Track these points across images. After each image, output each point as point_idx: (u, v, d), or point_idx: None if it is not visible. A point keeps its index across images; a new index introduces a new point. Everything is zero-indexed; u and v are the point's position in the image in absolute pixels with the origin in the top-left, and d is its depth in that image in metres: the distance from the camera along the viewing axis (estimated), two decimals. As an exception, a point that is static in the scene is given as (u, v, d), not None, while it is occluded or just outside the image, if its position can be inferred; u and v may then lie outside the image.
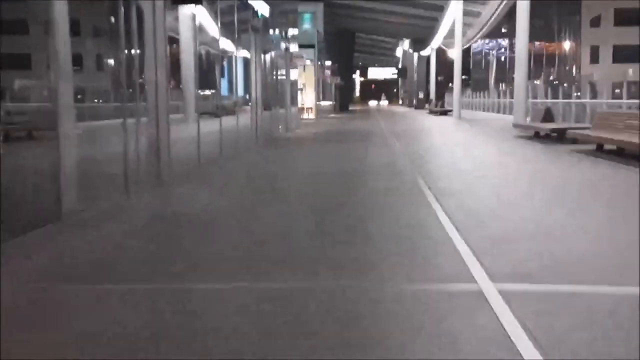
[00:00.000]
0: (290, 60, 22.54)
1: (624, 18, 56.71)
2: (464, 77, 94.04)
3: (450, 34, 47.80)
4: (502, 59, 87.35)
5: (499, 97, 41.92)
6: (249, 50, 15.71)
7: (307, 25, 36.40)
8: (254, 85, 15.74)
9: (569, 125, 16.51)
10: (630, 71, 46.98)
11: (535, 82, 66.98)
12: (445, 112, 40.85)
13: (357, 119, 37.83)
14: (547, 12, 63.74)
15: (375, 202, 7.18)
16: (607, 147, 12.57)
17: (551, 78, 66.92)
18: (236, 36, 13.85)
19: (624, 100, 19.30)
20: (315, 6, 39.09)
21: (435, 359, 2.72)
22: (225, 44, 14.90)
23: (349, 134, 21.43)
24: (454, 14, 38.71)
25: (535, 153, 13.11)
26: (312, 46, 34.86)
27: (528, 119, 21.89)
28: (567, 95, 32.58)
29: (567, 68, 63.21)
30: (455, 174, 9.81)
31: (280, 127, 20.90)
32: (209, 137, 11.68)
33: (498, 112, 38.30)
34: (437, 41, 50.24)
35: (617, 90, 29.58)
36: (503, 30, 75.24)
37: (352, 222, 5.92)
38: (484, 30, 43.80)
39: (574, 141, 14.59)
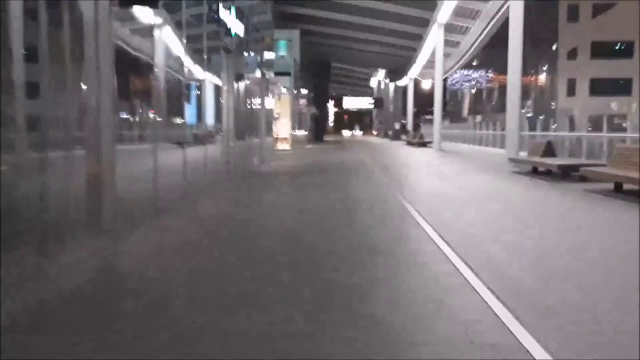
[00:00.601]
0: (266, 87, 20.84)
1: (601, 51, 56.53)
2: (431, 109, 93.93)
3: (429, 64, 46.82)
4: (475, 90, 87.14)
5: (476, 128, 40.77)
6: (219, 74, 13.92)
7: (283, 53, 34.90)
8: (226, 113, 13.94)
9: (579, 161, 14.94)
10: (614, 104, 46.34)
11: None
12: (424, 144, 39.45)
13: (335, 151, 36.18)
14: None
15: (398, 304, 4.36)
16: (627, 186, 11.03)
17: (526, 111, 66.41)
18: (205, 57, 12.06)
19: (629, 134, 17.90)
20: (291, 33, 37.64)
21: None
22: (191, 65, 13.12)
23: (332, 169, 19.69)
24: (433, 41, 37.56)
25: (551, 197, 11.45)
26: (288, 74, 33.28)
27: (522, 153, 20.41)
28: (545, 128, 31.43)
29: (543, 101, 62.62)
30: (484, 233, 8.07)
31: (254, 159, 19.08)
32: (170, 172, 9.79)
33: (479, 144, 37.04)
34: (414, 71, 49.14)
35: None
36: (474, 62, 75.09)
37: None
38: (463, 60, 42.76)
39: (583, 179, 13.03)
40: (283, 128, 34.08)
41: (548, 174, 14.91)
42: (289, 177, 16.07)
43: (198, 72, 14.01)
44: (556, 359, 2.63)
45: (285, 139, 33.60)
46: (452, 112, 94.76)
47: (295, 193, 12.09)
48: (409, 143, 43.12)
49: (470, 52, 40.64)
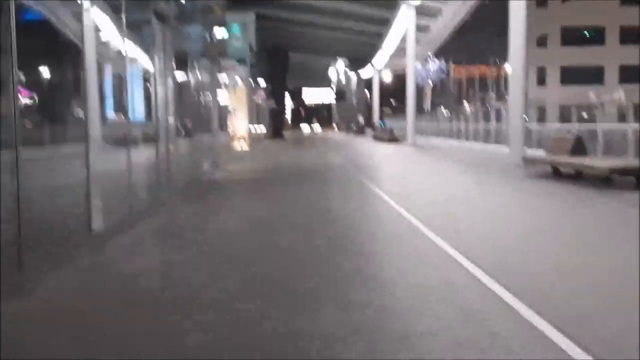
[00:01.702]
0: (218, 74, 16.97)
1: (571, 37, 54.17)
2: (395, 101, 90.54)
3: (396, 52, 43.41)
4: (434, 83, 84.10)
5: (449, 121, 37.54)
6: (150, 52, 10.08)
7: (237, 38, 30.94)
8: (161, 104, 10.07)
9: (634, 162, 11.50)
10: (592, 94, 43.64)
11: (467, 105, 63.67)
12: (395, 139, 35.98)
13: (299, 148, 32.39)
14: (486, 35, 60.75)
15: None
16: None
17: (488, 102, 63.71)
18: (125, 27, 8.12)
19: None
20: (246, 16, 33.66)
21: None
22: (110, 40, 9.31)
23: (301, 173, 15.96)
24: (403, 25, 34.10)
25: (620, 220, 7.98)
26: (242, 61, 29.36)
27: (529, 150, 17.05)
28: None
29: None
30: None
31: (205, 163, 15.23)
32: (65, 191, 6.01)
33: (457, 138, 33.76)
34: (380, 60, 45.62)
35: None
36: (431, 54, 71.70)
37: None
38: (433, 47, 39.45)
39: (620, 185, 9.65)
40: (240, 124, 30.15)
41: (576, 178, 11.53)
42: (249, 192, 12.25)
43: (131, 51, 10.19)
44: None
45: (242, 136, 29.67)
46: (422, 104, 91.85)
47: (264, 212, 8.35)
48: (377, 138, 39.59)
49: (442, 36, 37.37)
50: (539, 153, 16.69)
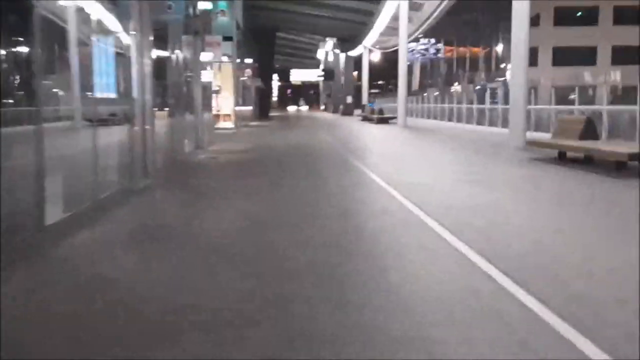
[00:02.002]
0: (201, 48, 15.90)
1: (564, 17, 53.33)
2: (382, 82, 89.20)
3: (386, 31, 42.36)
4: (422, 63, 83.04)
5: (438, 102, 36.64)
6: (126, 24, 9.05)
7: (223, 14, 29.70)
8: (138, 79, 9.07)
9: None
10: (587, 75, 42.78)
11: (456, 85, 62.78)
12: (385, 120, 35.05)
13: (286, 129, 31.40)
14: (474, 17, 59.69)
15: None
16: None
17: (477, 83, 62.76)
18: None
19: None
20: (232, -8, 32.34)
21: None
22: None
23: (291, 155, 15.05)
24: (395, 2, 33.04)
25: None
26: (229, 39, 28.16)
27: (529, 133, 16.22)
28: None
29: (499, 72, 59.01)
30: None
31: (187, 143, 14.24)
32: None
33: (447, 120, 32.90)
34: (371, 38, 44.52)
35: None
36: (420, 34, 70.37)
37: None
38: (425, 26, 38.43)
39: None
40: (225, 103, 29.08)
41: (585, 163, 10.71)
42: (234, 174, 11.34)
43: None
44: None
45: (227, 115, 28.62)
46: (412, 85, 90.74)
47: (255, 199, 7.44)
48: (366, 119, 38.67)
49: (434, 15, 36.32)
50: (543, 136, 15.89)
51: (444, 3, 33.43)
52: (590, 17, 55.17)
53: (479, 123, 26.84)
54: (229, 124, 28.40)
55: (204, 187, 9.25)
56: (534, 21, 53.61)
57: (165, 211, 7.24)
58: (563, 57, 52.80)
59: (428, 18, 37.34)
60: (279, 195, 8.37)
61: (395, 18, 38.71)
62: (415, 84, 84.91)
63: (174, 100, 12.24)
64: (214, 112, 28.63)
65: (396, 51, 67.58)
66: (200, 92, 16.09)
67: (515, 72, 16.17)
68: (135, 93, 8.83)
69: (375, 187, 8.93)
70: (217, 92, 29.05)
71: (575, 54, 53.68)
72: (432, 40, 73.99)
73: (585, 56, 54.46)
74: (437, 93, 52.51)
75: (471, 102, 30.14)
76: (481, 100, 28.28)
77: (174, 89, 12.23)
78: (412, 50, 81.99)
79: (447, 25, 53.49)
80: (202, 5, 15.32)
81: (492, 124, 25.21)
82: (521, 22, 16.07)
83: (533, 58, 54.09)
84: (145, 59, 9.27)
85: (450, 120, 31.48)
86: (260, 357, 2.86)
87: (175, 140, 12.12)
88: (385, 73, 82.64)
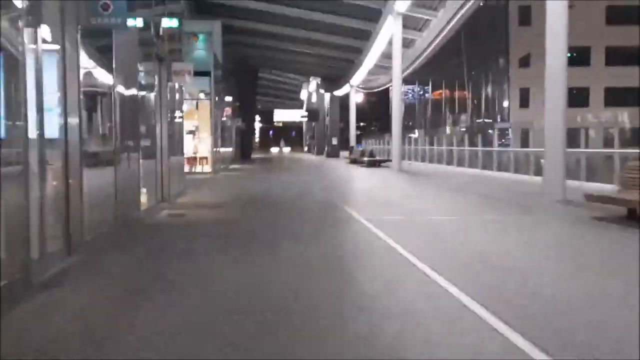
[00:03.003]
0: (167, 78, 13.01)
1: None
2: (363, 124, 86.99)
3: (374, 69, 40.00)
4: (405, 106, 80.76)
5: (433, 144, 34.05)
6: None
7: (200, 49, 27.11)
8: (53, 110, 6.15)
9: None
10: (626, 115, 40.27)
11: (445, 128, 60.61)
12: (376, 163, 32.32)
13: (270, 173, 28.53)
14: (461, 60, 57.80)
15: None
16: None
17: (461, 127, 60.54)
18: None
19: None
20: (212, 25, 29.77)
21: None
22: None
23: (277, 214, 12.08)
24: (386, 37, 30.65)
25: None
26: (207, 74, 25.47)
27: (570, 181, 13.45)
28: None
29: (489, 114, 56.94)
30: None
31: (145, 196, 11.24)
32: None
33: (445, 163, 30.26)
34: (359, 76, 42.11)
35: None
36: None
37: None
38: (417, 63, 36.08)
39: None
40: (202, 144, 26.21)
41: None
42: (202, 245, 8.36)
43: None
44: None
45: (204, 158, 25.70)
46: (406, 127, 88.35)
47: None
48: (355, 161, 35.88)
49: (428, 51, 33.99)
50: (600, 187, 13.14)
51: (440, 37, 31.12)
52: (580, 58, 53.35)
53: (485, 167, 24.17)
54: (205, 168, 25.47)
55: (150, 273, 6.24)
56: (524, 62, 52.01)
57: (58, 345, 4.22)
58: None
59: (419, 56, 35.00)
60: (268, 291, 5.42)
61: (385, 56, 36.45)
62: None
63: (121, 141, 9.32)
64: (190, 154, 25.78)
65: (378, 92, 65.62)
66: (165, 131, 13.18)
67: (551, 110, 13.47)
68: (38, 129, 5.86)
69: (406, 275, 6.04)
70: (193, 132, 26.25)
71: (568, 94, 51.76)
72: (416, 87, 72.16)
73: (578, 97, 52.49)
74: (419, 135, 50.24)
75: (473, 144, 27.66)
76: (482, 143, 25.71)
77: (125, 127, 9.31)
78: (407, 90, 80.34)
79: (435, 68, 51.61)
80: (166, 24, 12.53)
81: (502, 168, 22.54)
82: (558, 55, 13.48)
83: (524, 99, 52.52)
84: (71, 81, 6.37)
85: (449, 163, 28.82)
86: None
87: (126, 192, 9.15)
88: (366, 115, 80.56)
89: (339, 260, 6.76)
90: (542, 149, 19.18)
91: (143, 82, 11.66)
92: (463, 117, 61.85)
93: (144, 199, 11.40)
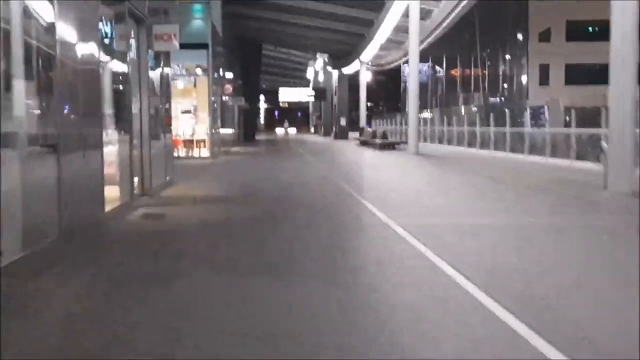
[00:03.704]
0: (147, 42, 10.52)
1: (576, 32, 48.65)
2: (370, 104, 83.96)
3: (386, 44, 37.35)
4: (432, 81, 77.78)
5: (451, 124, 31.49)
6: None
7: (197, 18, 24.53)
8: None
9: None
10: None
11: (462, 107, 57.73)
12: (390, 145, 29.81)
13: (274, 157, 26.09)
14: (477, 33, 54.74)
15: None
16: None
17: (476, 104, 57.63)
18: None
19: None
20: (210, -6, 27.17)
21: None
22: None
23: (288, 214, 9.64)
24: (402, 5, 28.01)
25: None
26: (203, 46, 22.93)
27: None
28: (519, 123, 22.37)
29: (508, 92, 54.10)
30: None
31: (119, 190, 8.85)
32: None
33: (463, 145, 27.75)
34: (370, 51, 39.41)
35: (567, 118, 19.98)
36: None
37: None
38: (433, 36, 33.39)
39: None
40: (199, 126, 23.77)
41: None
42: (181, 267, 5.92)
43: None
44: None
45: (202, 141, 23.25)
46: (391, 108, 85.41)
47: None
48: (365, 143, 33.32)
49: (445, 23, 31.30)
50: None
51: (459, 7, 28.44)
52: (600, 33, 50.08)
53: (513, 150, 21.68)
54: (203, 152, 23.03)
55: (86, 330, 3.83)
56: (544, 36, 49.15)
57: None
58: (575, 75, 48.06)
59: (436, 28, 32.30)
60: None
61: (398, 29, 33.80)
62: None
63: (70, 122, 6.92)
64: (187, 137, 23.36)
65: (386, 71, 62.63)
66: (146, 109, 10.74)
67: (617, 86, 10.88)
68: None
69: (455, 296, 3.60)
70: (189, 112, 23.81)
71: (587, 72, 49.06)
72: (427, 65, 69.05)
73: (597, 74, 49.31)
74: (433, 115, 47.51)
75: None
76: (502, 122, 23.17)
77: (78, 103, 6.88)
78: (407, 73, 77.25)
79: (447, 44, 48.75)
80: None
81: (533, 151, 20.03)
82: (627, 27, 10.86)
83: (544, 77, 49.74)
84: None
85: (470, 145, 26.33)
86: None
87: (78, 189, 6.76)
88: (374, 95, 77.56)
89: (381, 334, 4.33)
90: (588, 130, 16.88)
91: (113, 47, 9.21)
92: (476, 95, 58.87)
93: (114, 193, 9.02)
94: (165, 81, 12.99)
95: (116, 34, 9.20)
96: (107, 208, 8.21)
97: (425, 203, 10.15)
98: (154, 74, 11.96)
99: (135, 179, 10.44)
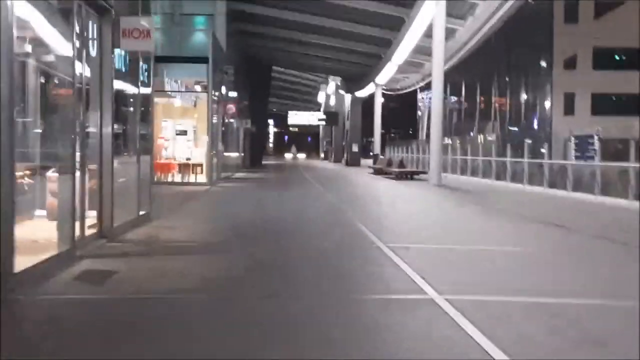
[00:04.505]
0: (113, 41, 7.98)
1: (603, 60, 46.07)
2: (382, 131, 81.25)
3: (403, 68, 34.87)
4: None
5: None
6: None
7: (198, 30, 22.11)
8: None
9: None
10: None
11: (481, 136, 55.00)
12: (408, 175, 27.12)
13: (280, 185, 23.47)
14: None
15: None
16: None
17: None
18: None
19: None
20: (214, 5, 24.83)
21: None
22: None
23: (297, 260, 6.97)
24: (424, 23, 25.62)
25: None
26: (204, 60, 20.43)
27: None
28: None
29: (527, 122, 51.40)
30: None
31: (58, 237, 6.23)
32: None
33: (487, 177, 25.03)
34: (386, 73, 36.92)
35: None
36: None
37: None
38: (458, 56, 30.92)
39: None
40: (198, 149, 21.25)
41: None
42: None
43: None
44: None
45: (199, 165, 20.67)
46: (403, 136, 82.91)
47: None
48: (380, 172, 30.59)
49: (470, 43, 28.86)
50: None
51: (487, 26, 26.01)
52: (628, 61, 47.52)
53: (552, 185, 18.96)
54: (200, 178, 20.44)
55: None
56: (570, 64, 46.55)
57: None
58: (602, 105, 45.34)
59: (459, 49, 29.88)
60: None
61: (417, 50, 31.38)
62: (423, 133, 77.73)
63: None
64: (182, 160, 20.83)
65: (399, 97, 60.16)
66: (108, 123, 8.16)
67: None
68: None
69: None
70: (185, 133, 21.29)
71: (614, 102, 46.42)
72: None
73: (625, 105, 46.60)
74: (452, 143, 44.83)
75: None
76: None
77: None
78: (422, 98, 74.88)
79: (464, 70, 46.28)
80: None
81: (578, 187, 17.32)
82: None
83: (568, 106, 47.06)
84: None
85: (499, 178, 23.61)
86: None
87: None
88: (385, 121, 74.91)
89: None
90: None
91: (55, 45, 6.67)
92: (496, 124, 55.99)
93: (49, 238, 6.42)
94: (144, 92, 10.43)
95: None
96: (29, 261, 5.60)
97: (481, 264, 7.44)
98: (127, 83, 9.43)
99: (92, 216, 7.88)
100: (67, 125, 6.88)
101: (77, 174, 7.08)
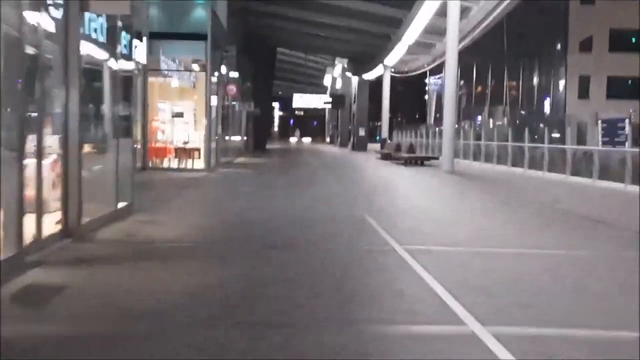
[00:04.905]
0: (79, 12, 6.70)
1: (619, 42, 44.33)
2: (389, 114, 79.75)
3: (413, 48, 33.39)
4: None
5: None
6: None
7: (197, 4, 20.68)
8: None
9: None
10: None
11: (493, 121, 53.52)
12: (418, 160, 25.79)
13: (283, 171, 22.19)
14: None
15: None
16: None
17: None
18: None
19: None
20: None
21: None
22: None
23: (297, 263, 5.67)
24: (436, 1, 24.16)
25: None
26: (202, 37, 19.05)
27: None
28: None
29: (539, 106, 49.85)
30: None
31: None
32: None
33: (502, 163, 23.64)
34: (395, 55, 35.42)
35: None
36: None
37: None
38: (467, 40, 29.39)
39: None
40: (197, 132, 19.95)
41: None
42: None
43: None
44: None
45: (196, 150, 19.37)
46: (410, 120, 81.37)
47: None
48: (388, 157, 29.26)
49: (485, 22, 27.36)
50: None
51: (502, 5, 24.51)
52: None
53: (576, 173, 17.59)
54: (198, 163, 19.15)
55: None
56: (585, 46, 44.89)
57: None
58: (617, 89, 43.73)
59: (474, 28, 28.35)
60: None
61: (428, 30, 29.92)
62: (431, 118, 76.16)
63: None
64: (180, 144, 19.55)
65: (405, 81, 58.58)
66: (75, 101, 6.86)
67: None
68: None
69: None
70: (181, 115, 19.98)
71: (629, 85, 44.67)
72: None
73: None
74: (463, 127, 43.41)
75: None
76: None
77: None
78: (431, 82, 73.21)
79: (474, 52, 44.69)
80: None
81: (604, 175, 15.96)
82: None
83: (583, 90, 45.51)
84: None
85: (515, 164, 22.25)
86: None
87: None
88: (392, 105, 73.27)
89: None
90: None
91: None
92: (506, 108, 54.39)
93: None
94: (126, 67, 9.13)
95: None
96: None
97: (521, 276, 6.14)
98: (104, 54, 8.12)
99: (55, 211, 6.64)
100: (15, 99, 5.58)
101: (30, 159, 5.83)
